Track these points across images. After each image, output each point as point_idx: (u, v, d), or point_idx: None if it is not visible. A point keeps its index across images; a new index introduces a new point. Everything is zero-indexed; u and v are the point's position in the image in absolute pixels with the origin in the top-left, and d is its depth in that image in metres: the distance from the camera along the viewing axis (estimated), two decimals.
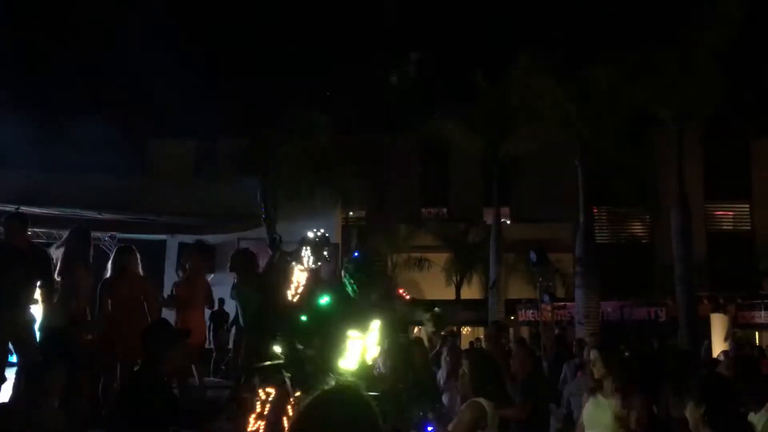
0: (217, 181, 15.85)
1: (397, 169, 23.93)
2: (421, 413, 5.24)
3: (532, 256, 12.80)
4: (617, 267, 20.36)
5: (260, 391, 6.12)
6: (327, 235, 6.88)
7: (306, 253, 6.55)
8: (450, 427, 4.79)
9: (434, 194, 24.94)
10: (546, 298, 14.16)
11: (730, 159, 23.31)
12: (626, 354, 7.44)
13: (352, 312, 6.20)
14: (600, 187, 17.83)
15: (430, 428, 4.90)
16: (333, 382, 2.01)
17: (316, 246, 6.67)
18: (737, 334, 15.84)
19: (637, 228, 25.83)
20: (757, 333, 18.04)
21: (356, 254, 6.58)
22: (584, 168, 14.91)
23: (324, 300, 5.59)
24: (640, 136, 17.12)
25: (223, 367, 12.91)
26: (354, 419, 1.79)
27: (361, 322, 6.13)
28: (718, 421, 3.19)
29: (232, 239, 15.81)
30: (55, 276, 6.59)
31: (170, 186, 16.29)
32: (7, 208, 12.19)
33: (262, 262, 9.10)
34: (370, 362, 5.61)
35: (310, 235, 6.50)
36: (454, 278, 22.74)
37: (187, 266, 7.89)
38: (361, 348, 6.05)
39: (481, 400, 4.46)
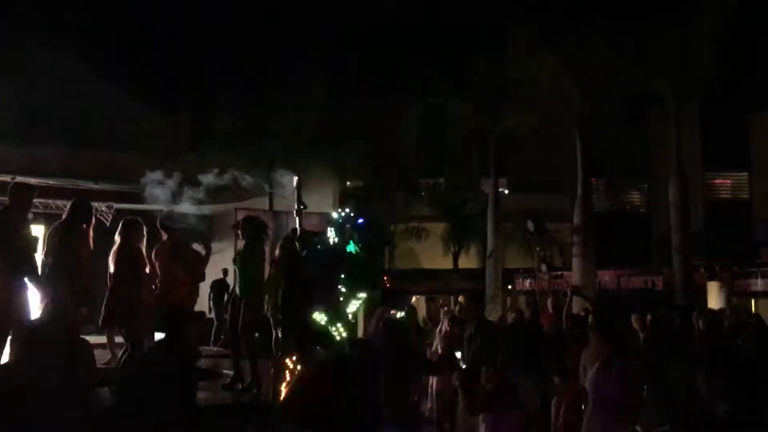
0: (211, 154, 15.75)
1: (395, 139, 23.82)
2: None
3: (530, 225, 12.81)
4: (615, 237, 20.39)
5: (287, 361, 6.22)
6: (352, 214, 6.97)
7: (331, 233, 6.67)
8: None
9: (432, 165, 24.84)
10: (543, 267, 14.20)
11: (729, 128, 23.22)
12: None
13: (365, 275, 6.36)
14: (598, 158, 17.79)
15: None
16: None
17: (340, 225, 6.75)
18: (733, 302, 15.93)
19: (635, 198, 25.83)
20: (753, 301, 18.15)
21: (361, 221, 6.57)
22: (582, 139, 14.84)
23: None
24: (638, 108, 17.02)
25: (222, 337, 12.97)
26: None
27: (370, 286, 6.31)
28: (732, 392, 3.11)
29: (228, 208, 15.77)
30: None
31: (164, 158, 16.17)
32: (4, 179, 12.18)
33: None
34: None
35: (335, 215, 6.65)
36: (452, 248, 22.80)
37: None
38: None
39: None
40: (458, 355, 6.61)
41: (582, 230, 14.46)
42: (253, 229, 7.94)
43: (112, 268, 7.20)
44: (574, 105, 14.78)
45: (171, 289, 7.62)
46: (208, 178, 10.21)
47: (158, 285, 7.66)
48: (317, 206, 17.58)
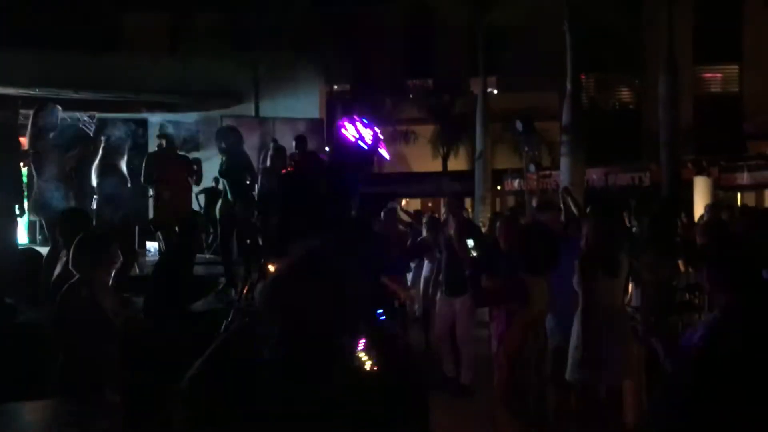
0: (194, 57, 15.38)
1: (380, 40, 23.26)
2: None
3: (518, 125, 12.68)
4: (604, 134, 20.33)
5: (269, 266, 6.35)
6: None
7: None
8: None
9: (419, 65, 24.36)
10: (531, 167, 14.17)
11: (721, 19, 22.72)
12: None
13: None
14: (588, 54, 17.44)
15: None
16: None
17: None
18: (719, 196, 16.08)
19: (626, 95, 25.58)
20: (738, 194, 18.33)
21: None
22: (572, 33, 14.49)
23: None
24: None
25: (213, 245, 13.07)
26: (326, 281, 1.86)
27: None
28: (739, 283, 3.07)
29: (214, 116, 15.55)
30: None
31: (146, 62, 15.80)
32: None
33: (248, 139, 9.24)
34: None
35: None
36: (440, 150, 22.74)
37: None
38: None
39: None
40: (470, 243, 6.66)
41: (570, 129, 14.36)
42: (230, 139, 8.05)
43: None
44: None
45: (179, 194, 7.72)
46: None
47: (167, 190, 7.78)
48: (304, 111, 17.47)
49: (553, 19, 15.86)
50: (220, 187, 15.28)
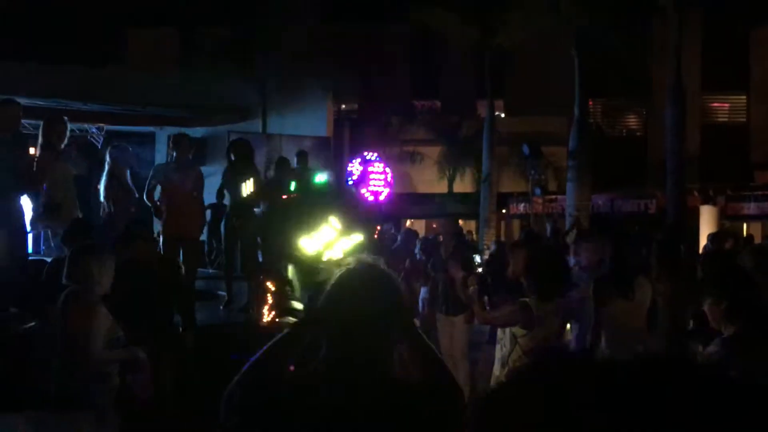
0: (202, 71, 15.44)
1: (388, 60, 23.38)
2: None
3: (525, 149, 12.70)
4: (611, 160, 20.33)
5: (268, 284, 6.38)
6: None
7: None
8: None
9: (426, 86, 24.46)
10: (537, 191, 14.16)
11: (729, 49, 22.79)
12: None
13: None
14: (596, 80, 17.48)
15: None
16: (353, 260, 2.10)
17: None
18: (725, 226, 16.01)
19: (632, 122, 25.62)
20: (744, 224, 18.26)
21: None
22: (580, 58, 14.52)
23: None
24: (638, 24, 16.57)
25: (215, 259, 13.02)
26: (381, 289, 1.95)
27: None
28: (740, 315, 3.08)
29: (221, 132, 15.57)
30: None
31: (154, 76, 15.87)
32: None
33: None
34: None
35: None
36: (446, 172, 22.73)
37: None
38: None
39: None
40: (477, 258, 6.75)
41: (577, 154, 14.34)
42: (240, 151, 8.05)
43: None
44: (573, 19, 14.32)
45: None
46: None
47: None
48: (312, 128, 17.48)
49: (562, 44, 15.93)
50: (225, 201, 15.31)
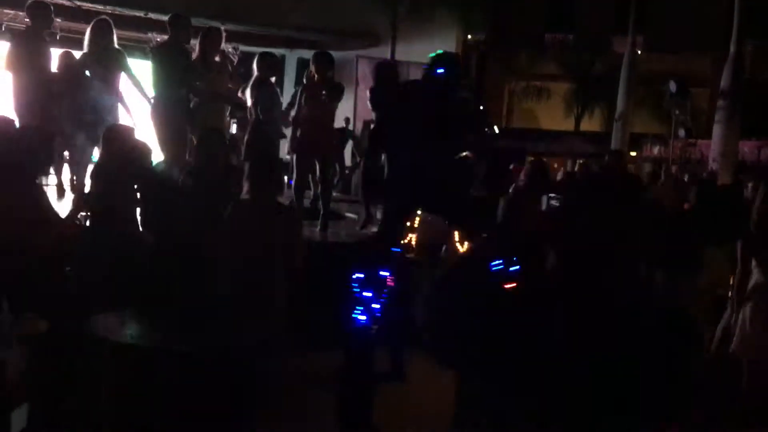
0: None
1: None
2: None
3: (672, 86, 11.82)
4: (760, 105, 18.75)
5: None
6: None
7: None
8: None
9: (560, 18, 23.24)
10: (681, 132, 13.25)
11: None
12: None
13: None
14: (748, 18, 15.97)
15: None
16: None
17: None
18: None
19: None
20: None
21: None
22: None
23: None
24: None
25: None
26: None
27: None
28: None
29: (350, 56, 15.50)
30: None
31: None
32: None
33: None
34: None
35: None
36: (574, 110, 21.81)
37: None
38: None
39: None
40: None
41: (729, 94, 13.24)
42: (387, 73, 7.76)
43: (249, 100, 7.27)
44: None
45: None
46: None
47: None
48: None
49: None
50: (350, 127, 15.28)
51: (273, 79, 7.15)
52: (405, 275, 4.67)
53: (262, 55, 7.13)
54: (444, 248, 6.24)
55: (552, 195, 8.16)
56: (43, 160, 4.24)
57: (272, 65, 7.15)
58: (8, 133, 4.00)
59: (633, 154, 19.62)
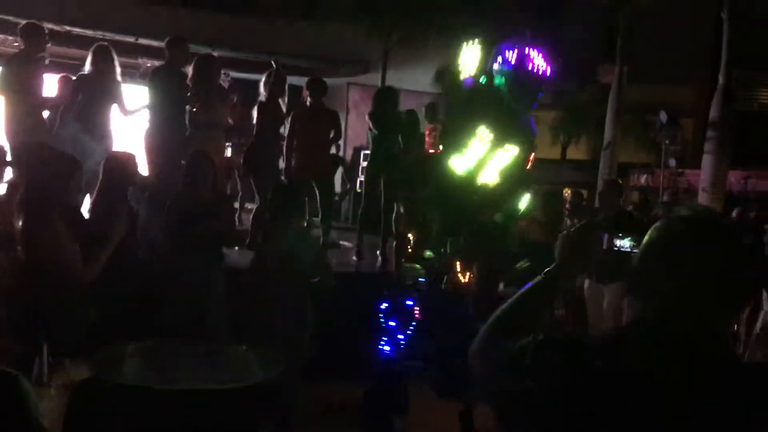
0: (328, 22, 15.30)
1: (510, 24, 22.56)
2: None
3: (662, 117, 11.95)
4: (746, 135, 19.03)
5: (410, 235, 6.19)
6: None
7: None
8: None
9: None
10: (672, 162, 13.37)
11: None
12: None
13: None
14: (736, 49, 16.26)
15: None
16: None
17: None
18: None
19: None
20: None
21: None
22: (731, 21, 13.48)
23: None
24: None
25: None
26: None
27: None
28: None
29: (341, 83, 15.50)
30: None
31: (281, 25, 15.90)
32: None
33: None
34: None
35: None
36: (560, 138, 21.97)
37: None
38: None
39: None
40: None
41: (719, 125, 13.40)
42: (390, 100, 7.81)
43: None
44: None
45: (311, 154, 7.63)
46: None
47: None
48: (430, 85, 17.20)
49: (694, 8, 14.87)
50: (340, 153, 15.18)
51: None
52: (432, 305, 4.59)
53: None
54: (445, 279, 6.16)
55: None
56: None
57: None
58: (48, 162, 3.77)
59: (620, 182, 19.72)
